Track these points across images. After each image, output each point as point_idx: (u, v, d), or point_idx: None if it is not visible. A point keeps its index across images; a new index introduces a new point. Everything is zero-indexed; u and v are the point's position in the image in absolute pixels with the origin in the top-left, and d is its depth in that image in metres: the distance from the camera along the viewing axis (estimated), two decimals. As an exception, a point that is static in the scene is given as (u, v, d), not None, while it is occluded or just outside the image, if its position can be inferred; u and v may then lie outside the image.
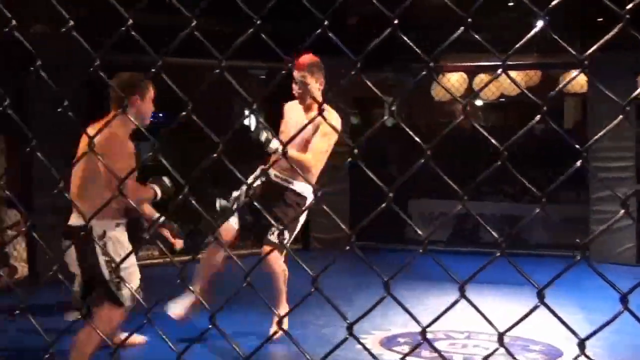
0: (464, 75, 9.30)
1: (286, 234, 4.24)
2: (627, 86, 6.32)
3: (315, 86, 4.27)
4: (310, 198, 4.30)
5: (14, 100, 1.27)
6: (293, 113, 4.46)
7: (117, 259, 3.40)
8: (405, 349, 4.35)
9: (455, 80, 9.17)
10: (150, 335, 4.16)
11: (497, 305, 4.45)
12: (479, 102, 10.98)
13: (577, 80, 7.78)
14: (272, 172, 4.42)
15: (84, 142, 3.34)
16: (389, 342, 4.49)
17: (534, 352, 4.38)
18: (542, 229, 7.81)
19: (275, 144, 4.07)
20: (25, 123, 1.33)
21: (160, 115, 10.31)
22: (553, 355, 4.35)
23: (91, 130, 3.40)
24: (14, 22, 1.07)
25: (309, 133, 4.25)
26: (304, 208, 4.24)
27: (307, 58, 4.20)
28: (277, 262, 4.18)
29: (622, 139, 6.93)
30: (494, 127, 11.01)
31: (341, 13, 7.65)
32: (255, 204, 4.16)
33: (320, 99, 4.29)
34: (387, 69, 8.23)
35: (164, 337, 1.00)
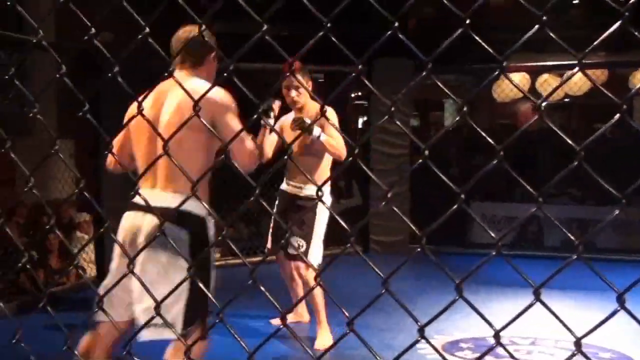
0: (526, 76, 9.13)
1: (303, 243, 4.23)
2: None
3: (308, 87, 4.28)
4: (327, 198, 4.28)
5: (90, 106, 1.31)
6: (288, 121, 4.45)
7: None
8: (468, 354, 4.28)
9: (518, 81, 9.01)
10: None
11: (564, 311, 4.32)
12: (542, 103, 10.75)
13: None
14: (286, 184, 4.52)
15: (152, 106, 2.62)
16: (451, 347, 4.44)
17: (603, 360, 4.25)
18: (611, 232, 7.58)
19: (317, 130, 4.11)
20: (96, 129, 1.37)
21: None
22: (623, 363, 4.22)
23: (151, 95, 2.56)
24: (92, 29, 1.11)
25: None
26: (317, 209, 4.24)
27: (296, 61, 4.16)
28: (311, 275, 4.20)
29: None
30: (559, 128, 10.76)
31: (402, 15, 7.63)
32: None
33: (312, 99, 4.35)
34: (451, 71, 8.15)
35: (235, 336, 1.02)
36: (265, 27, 0.99)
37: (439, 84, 1.01)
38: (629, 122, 0.92)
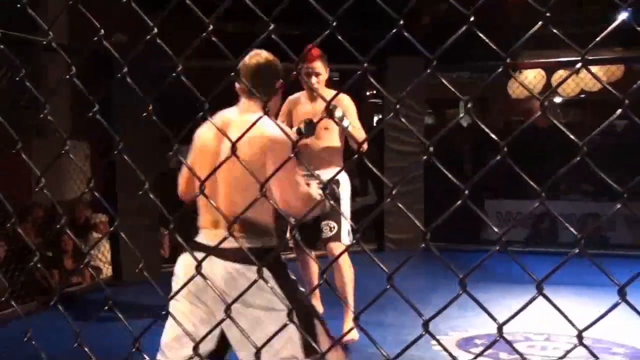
0: (542, 72, 9.08)
1: (334, 225, 4.29)
2: None
3: (326, 75, 4.39)
4: (343, 180, 4.36)
5: (101, 107, 1.33)
6: (299, 106, 4.55)
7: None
8: (483, 351, 4.28)
9: (533, 77, 8.96)
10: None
11: (574, 307, 4.29)
12: (557, 99, 10.69)
13: (662, 74, 7.46)
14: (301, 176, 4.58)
15: (215, 137, 2.52)
16: (465, 344, 4.43)
17: (618, 355, 4.22)
18: (625, 228, 7.53)
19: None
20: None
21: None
22: (638, 358, 4.19)
23: (214, 127, 2.38)
24: (102, 31, 1.13)
25: (325, 120, 4.37)
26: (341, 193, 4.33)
27: (317, 48, 4.25)
28: (345, 257, 4.24)
29: None
30: (574, 124, 10.70)
31: (413, 13, 7.63)
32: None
33: (325, 87, 4.42)
34: (461, 69, 8.12)
35: (243, 333, 1.03)
36: (272, 26, 1.00)
37: (443, 81, 1.02)
38: (632, 117, 0.92)
